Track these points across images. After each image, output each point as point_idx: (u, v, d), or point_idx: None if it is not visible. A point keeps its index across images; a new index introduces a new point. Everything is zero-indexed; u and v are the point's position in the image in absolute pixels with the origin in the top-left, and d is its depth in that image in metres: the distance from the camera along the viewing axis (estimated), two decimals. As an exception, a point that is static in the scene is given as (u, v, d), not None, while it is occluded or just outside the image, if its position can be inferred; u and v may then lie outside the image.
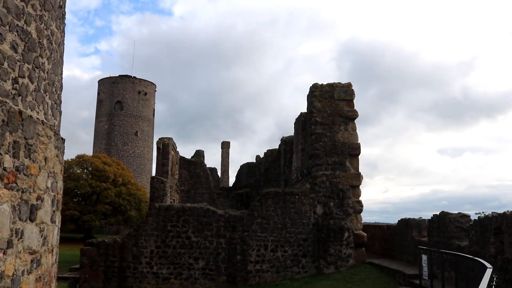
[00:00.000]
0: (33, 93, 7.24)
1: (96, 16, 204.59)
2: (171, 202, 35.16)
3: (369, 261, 20.23)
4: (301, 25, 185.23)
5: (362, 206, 21.03)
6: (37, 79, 7.38)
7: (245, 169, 50.98)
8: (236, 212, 21.28)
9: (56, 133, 8.16)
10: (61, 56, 9.17)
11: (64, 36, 9.51)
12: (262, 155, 46.63)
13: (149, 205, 22.27)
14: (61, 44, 8.94)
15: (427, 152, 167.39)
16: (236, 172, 52.70)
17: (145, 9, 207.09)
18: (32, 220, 7.00)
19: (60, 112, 9.45)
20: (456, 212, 16.02)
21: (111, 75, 72.68)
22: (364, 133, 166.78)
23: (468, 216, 15.70)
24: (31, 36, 7.15)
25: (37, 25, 7.35)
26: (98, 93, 72.61)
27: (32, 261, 7.08)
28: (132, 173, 61.84)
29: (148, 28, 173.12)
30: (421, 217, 19.09)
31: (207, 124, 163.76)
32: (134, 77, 72.59)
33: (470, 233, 14.50)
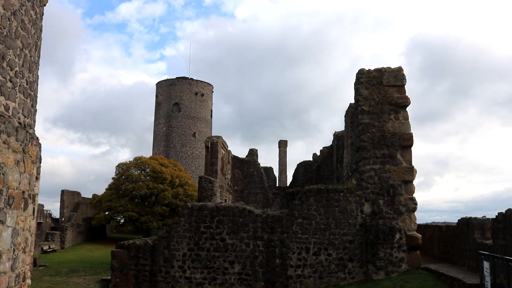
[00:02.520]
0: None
1: (160, 23, 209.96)
2: (221, 202, 33.89)
3: (425, 266, 17.76)
4: (367, 22, 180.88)
5: (416, 204, 18.56)
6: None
7: (302, 168, 48.96)
8: (274, 212, 19.52)
9: (1, 115, 6.80)
10: (24, 28, 7.85)
11: (32, 10, 8.21)
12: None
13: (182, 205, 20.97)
14: (13, 13, 7.56)
15: (502, 148, 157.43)
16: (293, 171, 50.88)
17: (208, 14, 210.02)
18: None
19: (27, 94, 8.14)
20: (526, 210, 13.35)
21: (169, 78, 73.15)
22: (434, 130, 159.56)
23: (541, 215, 13.02)
24: None
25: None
26: (156, 96, 73.26)
27: (-46, 269, 5.73)
28: (189, 174, 61.63)
29: (214, 31, 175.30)
30: (484, 216, 16.41)
31: (273, 125, 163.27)
32: (191, 78, 72.58)
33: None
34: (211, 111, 75.23)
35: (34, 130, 8.73)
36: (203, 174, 71.29)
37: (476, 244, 15.78)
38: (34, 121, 8.97)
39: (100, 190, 56.76)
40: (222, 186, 37.91)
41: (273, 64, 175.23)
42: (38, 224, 56.57)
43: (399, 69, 19.96)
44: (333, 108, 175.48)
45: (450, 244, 18.62)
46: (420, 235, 18.30)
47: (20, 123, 7.60)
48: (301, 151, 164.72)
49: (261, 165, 52.00)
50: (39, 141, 8.98)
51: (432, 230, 21.12)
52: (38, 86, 9.55)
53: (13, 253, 7.36)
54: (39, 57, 9.29)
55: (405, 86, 19.78)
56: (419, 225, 22.10)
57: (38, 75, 9.32)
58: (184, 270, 18.63)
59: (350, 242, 18.57)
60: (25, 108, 8.07)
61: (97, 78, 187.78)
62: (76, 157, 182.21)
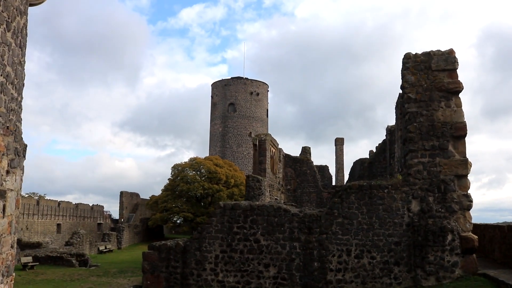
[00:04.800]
0: None
1: (221, 26, 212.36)
2: (270, 201, 32.70)
3: (482, 272, 15.62)
4: (435, 14, 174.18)
5: (471, 201, 16.44)
6: None
7: (358, 165, 46.83)
8: (312, 211, 18.03)
9: None
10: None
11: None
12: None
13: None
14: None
15: None
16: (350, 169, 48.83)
17: (269, 15, 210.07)
18: None
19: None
20: None
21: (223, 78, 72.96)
22: (507, 125, 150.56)
23: None
24: None
25: None
26: (212, 97, 73.28)
27: None
28: (245, 174, 60.93)
29: (277, 31, 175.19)
30: (551, 214, 14.15)
31: (338, 123, 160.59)
32: (246, 78, 71.98)
33: None
34: (267, 110, 74.30)
35: (8, 118, 7.88)
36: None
37: (541, 247, 13.57)
38: (10, 109, 8.13)
39: (165, 192, 57.32)
40: (272, 185, 36.70)
41: (336, 62, 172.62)
42: (98, 225, 57.85)
43: (450, 52, 17.90)
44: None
45: (512, 246, 16.34)
46: (476, 237, 16.18)
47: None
48: (366, 150, 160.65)
49: (324, 164, 50.43)
50: (16, 130, 8.15)
51: (493, 231, 18.77)
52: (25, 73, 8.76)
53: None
54: (16, 40, 8.47)
55: (457, 70, 17.71)
56: (479, 225, 19.87)
57: (17, 59, 8.51)
58: (216, 273, 17.57)
59: (396, 244, 16.76)
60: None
61: (162, 81, 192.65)
62: (143, 160, 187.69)
